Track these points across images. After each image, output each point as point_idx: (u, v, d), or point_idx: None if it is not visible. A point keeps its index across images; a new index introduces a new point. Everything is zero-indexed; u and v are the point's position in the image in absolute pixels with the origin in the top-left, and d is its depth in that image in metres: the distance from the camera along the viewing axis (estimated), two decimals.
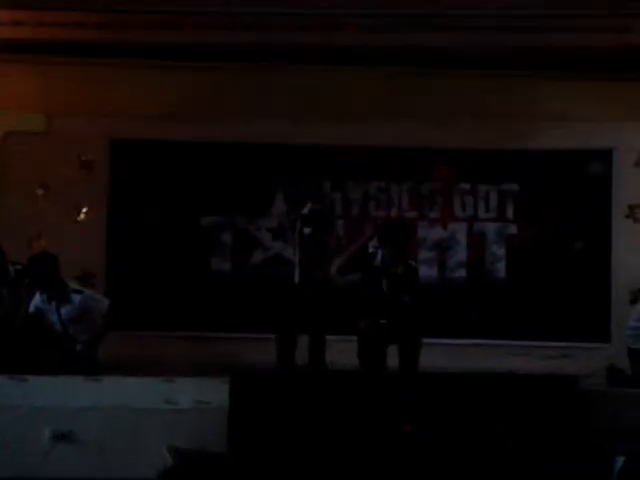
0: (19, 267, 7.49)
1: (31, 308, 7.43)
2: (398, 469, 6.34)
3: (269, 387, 6.52)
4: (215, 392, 6.51)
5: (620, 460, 6.01)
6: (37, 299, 7.42)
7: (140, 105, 9.09)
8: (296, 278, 7.52)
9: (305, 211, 7.61)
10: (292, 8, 8.20)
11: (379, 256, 7.51)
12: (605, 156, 9.22)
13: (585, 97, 9.00)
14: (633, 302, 8.48)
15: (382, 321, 7.33)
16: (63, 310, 7.39)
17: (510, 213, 9.38)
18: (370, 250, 7.67)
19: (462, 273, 9.37)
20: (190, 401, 6.55)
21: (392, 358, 7.38)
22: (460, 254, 9.38)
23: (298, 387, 6.56)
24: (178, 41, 8.75)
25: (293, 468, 6.32)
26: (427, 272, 9.12)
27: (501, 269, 9.33)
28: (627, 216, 9.17)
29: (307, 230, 7.64)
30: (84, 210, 9.23)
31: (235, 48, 8.90)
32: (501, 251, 9.35)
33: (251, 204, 9.38)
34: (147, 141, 9.30)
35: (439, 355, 8.25)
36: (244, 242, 9.43)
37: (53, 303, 7.38)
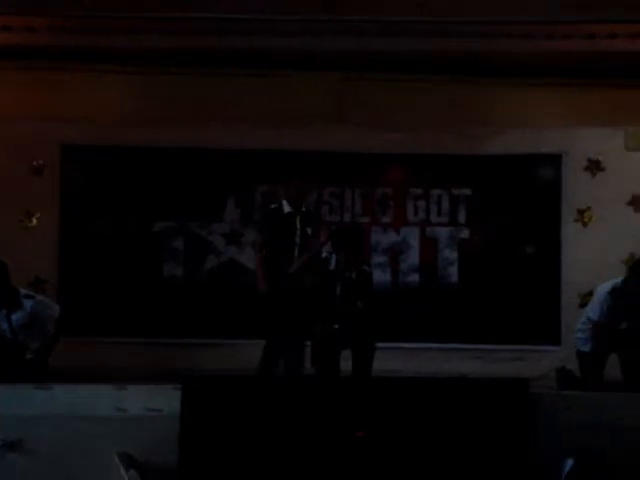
0: None
1: None
2: (352, 475, 6.35)
3: (221, 393, 6.49)
4: (167, 399, 6.47)
5: (569, 462, 6.06)
6: None
7: (91, 110, 9.03)
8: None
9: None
10: (237, 13, 8.17)
11: (333, 261, 7.55)
12: (555, 161, 9.32)
13: (535, 103, 9.09)
14: (583, 305, 8.57)
15: (336, 326, 7.36)
16: (14, 316, 7.32)
17: (462, 217, 9.44)
18: (324, 255, 7.70)
19: (415, 277, 9.42)
20: (141, 408, 6.50)
21: (346, 363, 7.41)
22: (412, 258, 9.43)
23: (251, 393, 6.53)
24: (129, 46, 8.70)
25: (245, 475, 6.30)
26: (380, 276, 9.14)
27: (453, 273, 9.39)
28: (576, 220, 9.27)
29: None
30: (36, 216, 9.16)
31: (187, 53, 8.89)
32: (453, 255, 9.41)
33: (204, 209, 9.36)
34: (98, 147, 9.23)
35: (393, 359, 8.30)
36: (197, 247, 9.41)
37: (3, 310, 7.31)
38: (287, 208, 7.81)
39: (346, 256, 7.42)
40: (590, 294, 8.22)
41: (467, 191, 9.42)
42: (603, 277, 7.83)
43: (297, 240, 7.71)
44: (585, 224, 9.25)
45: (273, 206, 7.95)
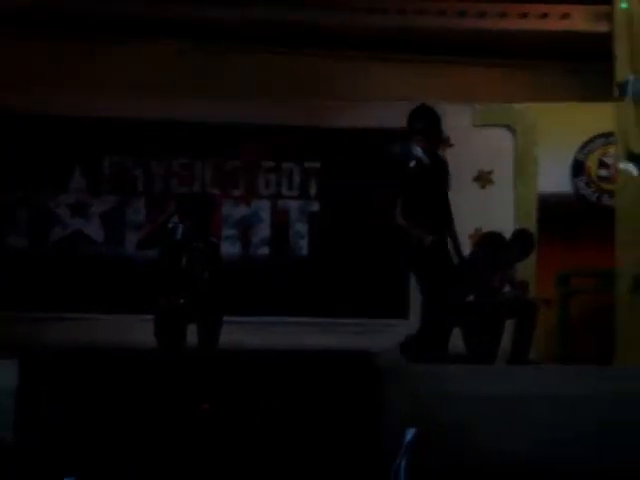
0: None
1: None
2: (196, 448, 6.28)
3: (60, 368, 6.33)
4: (4, 374, 6.25)
5: (411, 431, 6.12)
6: None
7: None
8: None
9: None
10: None
11: (179, 231, 7.39)
12: (404, 136, 9.37)
13: (385, 77, 9.12)
14: None
15: (181, 299, 7.23)
16: None
17: (313, 191, 9.44)
18: (170, 225, 7.53)
19: (265, 250, 9.37)
20: None
21: (191, 336, 7.31)
22: (263, 231, 9.38)
23: (91, 367, 6.39)
24: None
25: (84, 451, 6.15)
26: (230, 249, 9.08)
27: (304, 246, 9.39)
28: None
29: None
30: None
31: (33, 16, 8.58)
32: (304, 228, 9.40)
33: (49, 180, 9.09)
34: None
35: (242, 333, 8.24)
36: (41, 219, 9.14)
37: None
38: None
39: (192, 226, 7.28)
40: None
41: (318, 164, 9.42)
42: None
43: None
44: None
45: None
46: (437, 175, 7.12)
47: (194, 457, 6.22)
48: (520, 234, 8.16)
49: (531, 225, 8.92)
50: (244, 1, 8.35)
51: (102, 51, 8.82)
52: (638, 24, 7.15)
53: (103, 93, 8.85)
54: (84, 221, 9.20)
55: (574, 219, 9.18)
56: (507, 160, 9.23)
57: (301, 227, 9.40)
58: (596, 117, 8.82)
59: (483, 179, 9.26)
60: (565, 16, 8.82)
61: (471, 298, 7.56)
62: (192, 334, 7.32)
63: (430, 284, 7.07)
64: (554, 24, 8.88)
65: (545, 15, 8.86)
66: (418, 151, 7.12)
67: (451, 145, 9.28)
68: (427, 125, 6.98)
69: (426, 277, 7.10)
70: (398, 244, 7.24)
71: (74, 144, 9.05)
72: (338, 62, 9.09)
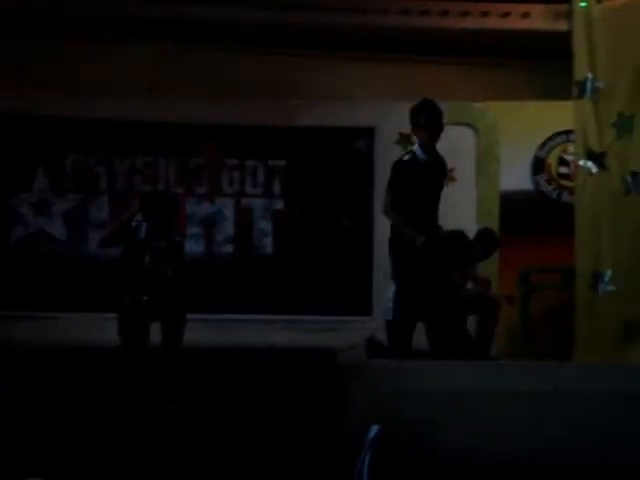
0: None
1: None
2: (161, 448, 6.28)
3: (25, 366, 6.29)
4: None
5: (374, 428, 6.15)
6: None
7: None
8: None
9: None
10: None
11: (143, 230, 7.39)
12: (368, 134, 9.44)
13: (349, 76, 9.16)
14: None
15: (145, 297, 7.24)
16: None
17: (277, 189, 9.45)
18: (133, 223, 7.54)
19: (229, 248, 9.39)
20: None
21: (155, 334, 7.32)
22: (227, 229, 9.39)
23: (55, 366, 6.36)
24: None
25: (52, 450, 6.14)
26: (194, 247, 9.08)
27: (268, 244, 9.41)
28: None
29: None
30: None
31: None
32: (268, 226, 9.42)
33: (11, 179, 9.04)
34: None
35: (206, 331, 8.22)
36: (4, 218, 9.09)
37: None
38: None
39: (155, 224, 7.28)
40: None
41: (282, 162, 9.44)
42: None
43: None
44: None
45: None
46: (431, 172, 7.10)
47: (158, 456, 6.23)
48: (484, 233, 8.23)
49: (493, 223, 9.00)
50: (214, 1, 8.35)
51: (71, 50, 8.79)
52: (596, 23, 7.22)
53: (66, 92, 8.82)
54: (47, 220, 9.17)
55: (535, 216, 9.25)
56: (469, 158, 9.29)
57: (265, 225, 9.42)
58: (556, 115, 8.90)
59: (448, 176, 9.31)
60: (525, 15, 8.91)
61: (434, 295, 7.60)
62: (156, 332, 7.34)
63: (412, 283, 7.08)
64: (515, 23, 8.97)
65: (506, 14, 8.94)
66: (416, 147, 7.13)
67: (413, 143, 9.33)
68: (429, 120, 6.99)
69: (411, 276, 7.11)
70: (391, 237, 7.21)
71: (36, 143, 9.02)
72: (303, 61, 9.13)
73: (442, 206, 8.28)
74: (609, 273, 7.16)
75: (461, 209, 8.97)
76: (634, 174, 7.13)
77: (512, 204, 9.24)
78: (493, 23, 8.94)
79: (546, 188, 9.50)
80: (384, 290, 8.33)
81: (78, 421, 6.21)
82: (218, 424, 6.33)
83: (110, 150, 9.21)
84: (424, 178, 7.02)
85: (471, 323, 7.66)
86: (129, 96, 8.99)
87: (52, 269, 9.01)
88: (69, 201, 9.18)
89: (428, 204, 7.07)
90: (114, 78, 8.88)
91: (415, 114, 7.07)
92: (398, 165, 7.15)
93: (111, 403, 6.29)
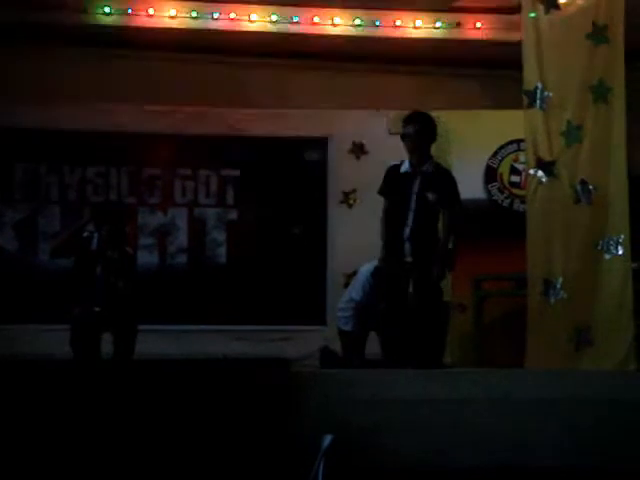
0: None
1: None
2: (110, 458, 6.22)
3: None
4: None
5: (327, 437, 6.15)
6: None
7: None
8: None
9: None
10: None
11: (95, 241, 7.36)
12: (321, 144, 9.46)
13: (302, 86, 9.18)
14: (347, 285, 8.73)
15: (96, 308, 7.19)
16: None
17: (230, 199, 9.44)
18: (85, 234, 7.50)
19: (182, 259, 9.35)
20: None
21: (106, 346, 7.26)
22: (180, 240, 9.36)
23: (4, 378, 6.27)
24: None
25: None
26: (147, 258, 9.04)
27: (221, 254, 9.39)
28: (342, 202, 9.45)
29: None
30: None
31: None
32: (221, 236, 9.40)
33: None
34: None
35: (159, 342, 8.18)
36: None
37: None
38: None
39: (107, 235, 7.25)
40: (355, 274, 8.37)
41: (236, 172, 9.42)
42: (366, 258, 7.97)
43: None
44: (350, 206, 9.45)
45: None
46: (412, 182, 6.99)
47: (107, 467, 6.17)
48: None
49: None
50: None
51: (19, 59, 8.70)
52: (545, 33, 7.28)
53: (16, 101, 8.74)
54: None
55: (488, 225, 9.31)
56: None
57: (218, 235, 9.39)
58: (508, 124, 8.95)
59: None
60: (478, 25, 8.99)
61: (383, 305, 7.62)
62: (108, 344, 7.28)
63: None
64: (468, 33, 9.04)
65: (458, 24, 9.01)
66: (405, 157, 7.11)
67: (366, 152, 9.39)
68: (408, 130, 6.95)
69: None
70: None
71: None
72: (257, 70, 9.12)
73: None
74: (560, 280, 7.20)
75: None
76: (583, 183, 7.17)
77: (465, 213, 9.28)
78: (446, 33, 9.01)
79: (498, 197, 9.57)
80: (338, 299, 8.38)
81: (26, 433, 6.13)
82: (168, 434, 6.28)
83: (61, 159, 9.15)
84: (404, 187, 7.00)
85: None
86: (79, 104, 8.92)
87: (2, 280, 8.91)
88: (19, 211, 9.10)
89: (409, 214, 6.97)
90: (58, 87, 8.77)
91: (404, 124, 7.07)
92: (386, 170, 7.20)
93: (61, 416, 6.23)
